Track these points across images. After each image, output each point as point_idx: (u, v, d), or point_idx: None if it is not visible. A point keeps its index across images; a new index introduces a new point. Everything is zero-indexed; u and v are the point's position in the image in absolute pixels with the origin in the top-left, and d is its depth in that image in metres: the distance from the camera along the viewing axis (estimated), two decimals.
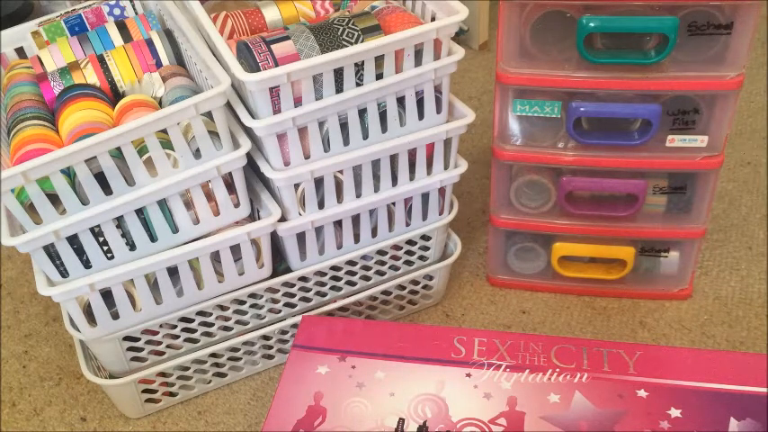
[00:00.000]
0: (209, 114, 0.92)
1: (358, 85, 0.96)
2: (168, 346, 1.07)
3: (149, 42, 1.07)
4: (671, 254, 1.17)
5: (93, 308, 0.97)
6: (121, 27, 1.10)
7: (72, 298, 0.94)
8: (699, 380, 0.92)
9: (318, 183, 1.03)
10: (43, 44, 1.11)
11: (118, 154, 0.90)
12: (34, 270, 0.97)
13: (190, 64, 1.06)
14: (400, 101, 1.01)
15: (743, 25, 0.95)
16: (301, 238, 1.06)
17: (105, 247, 0.94)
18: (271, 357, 1.16)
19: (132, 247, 0.96)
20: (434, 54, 0.98)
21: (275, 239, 1.07)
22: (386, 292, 1.19)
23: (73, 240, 0.92)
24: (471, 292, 1.27)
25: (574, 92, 1.03)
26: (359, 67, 0.95)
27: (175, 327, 1.05)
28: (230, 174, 0.97)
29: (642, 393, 0.91)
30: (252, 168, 1.04)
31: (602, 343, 0.98)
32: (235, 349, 1.11)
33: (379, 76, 0.97)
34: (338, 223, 1.08)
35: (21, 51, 1.15)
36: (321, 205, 1.04)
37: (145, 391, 1.08)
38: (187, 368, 1.09)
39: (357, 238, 1.10)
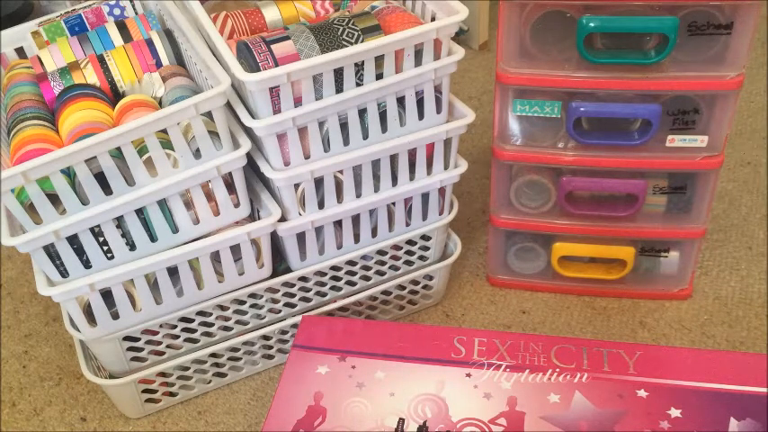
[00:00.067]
0: (209, 114, 0.92)
1: (358, 85, 0.96)
2: (168, 346, 1.07)
3: (149, 42, 1.07)
4: (671, 254, 1.17)
5: (93, 308, 0.97)
6: (121, 27, 1.10)
7: (72, 298, 0.94)
8: (699, 380, 0.92)
9: (318, 183, 1.03)
10: (43, 44, 1.11)
11: (118, 154, 0.90)
12: (34, 270, 0.97)
13: (190, 64, 1.06)
14: (400, 101, 1.00)
15: (743, 25, 0.95)
16: (301, 238, 1.06)
17: (105, 247, 0.94)
18: (271, 357, 1.16)
19: (132, 247, 0.96)
20: (434, 54, 0.98)
21: (275, 239, 1.07)
22: (386, 292, 1.19)
23: (73, 240, 0.92)
24: (471, 292, 1.27)
25: (574, 92, 1.03)
26: (359, 67, 0.95)
27: (175, 327, 1.05)
28: (230, 174, 0.97)
29: (642, 393, 0.91)
30: (252, 168, 1.04)
31: (602, 343, 0.98)
32: (235, 349, 1.11)
33: (379, 76, 0.97)
34: (338, 223, 1.08)
35: (21, 51, 1.15)
36: (321, 205, 1.04)
37: (145, 391, 1.08)
38: (187, 368, 1.09)
39: (357, 238, 1.10)
